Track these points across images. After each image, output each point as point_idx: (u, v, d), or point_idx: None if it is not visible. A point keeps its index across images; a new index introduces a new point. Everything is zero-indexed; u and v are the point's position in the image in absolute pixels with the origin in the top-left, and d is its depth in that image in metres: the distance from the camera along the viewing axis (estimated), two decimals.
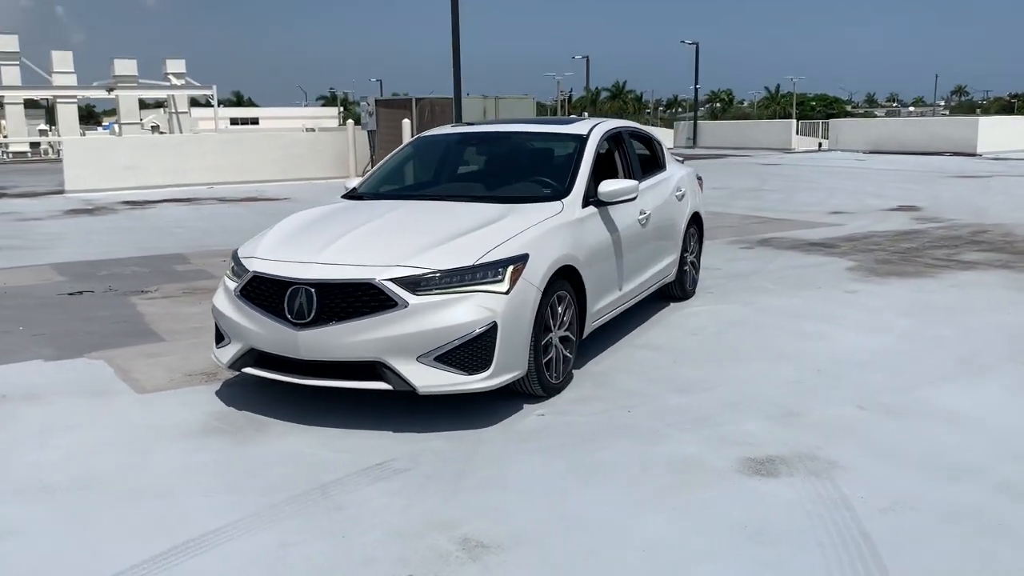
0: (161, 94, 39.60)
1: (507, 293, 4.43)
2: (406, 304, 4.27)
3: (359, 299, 4.32)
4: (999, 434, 4.31)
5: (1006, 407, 4.73)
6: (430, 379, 4.31)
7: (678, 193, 7.02)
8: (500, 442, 4.30)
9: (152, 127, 39.60)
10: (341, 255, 4.55)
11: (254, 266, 4.68)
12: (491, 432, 4.42)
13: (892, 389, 4.99)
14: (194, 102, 42.54)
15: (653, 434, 4.36)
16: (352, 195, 5.99)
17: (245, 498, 3.69)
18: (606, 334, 6.09)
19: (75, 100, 37.03)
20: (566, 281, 4.99)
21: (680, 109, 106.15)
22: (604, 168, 6.68)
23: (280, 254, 4.71)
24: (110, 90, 36.27)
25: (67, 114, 36.55)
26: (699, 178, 7.90)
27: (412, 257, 4.45)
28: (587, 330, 5.40)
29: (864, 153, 30.24)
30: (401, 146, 6.89)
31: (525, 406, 4.76)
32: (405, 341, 4.27)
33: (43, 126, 39.58)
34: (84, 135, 37.13)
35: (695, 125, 41.62)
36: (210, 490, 3.81)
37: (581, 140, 5.97)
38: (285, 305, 4.41)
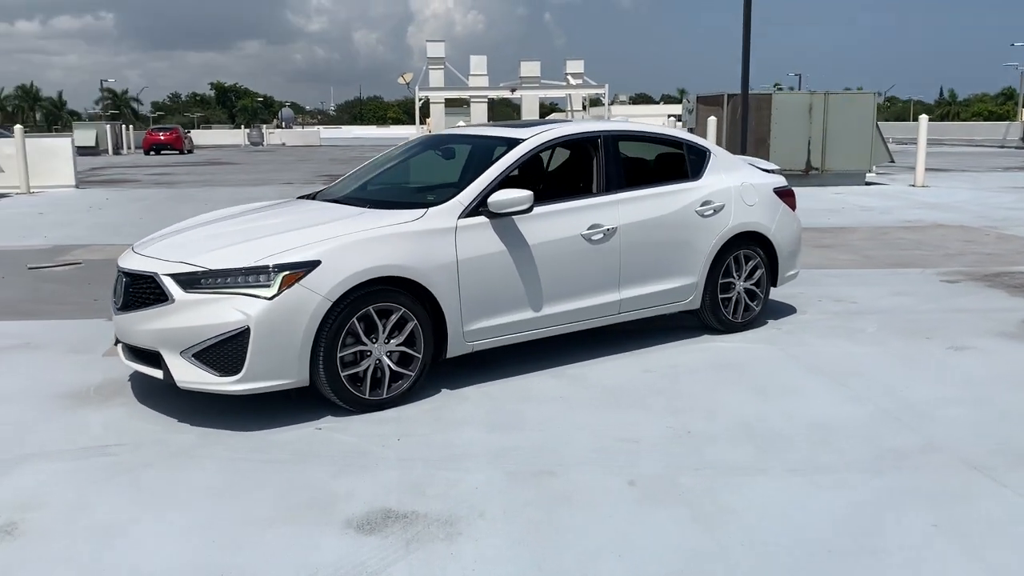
0: (559, 93, 42.43)
1: (271, 299, 4.40)
2: (173, 299, 4.48)
3: (146, 291, 4.63)
4: None
5: None
6: (188, 375, 4.47)
7: (703, 208, 6.07)
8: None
9: None
10: (166, 250, 4.88)
11: (123, 254, 5.21)
12: (240, 439, 4.44)
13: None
14: (595, 101, 44.73)
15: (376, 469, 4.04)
16: (305, 196, 6.20)
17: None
18: (551, 357, 5.61)
19: (485, 99, 41.31)
20: (404, 293, 4.75)
21: None
22: (554, 177, 6.13)
23: (141, 245, 5.18)
24: (512, 90, 39.86)
25: (478, 112, 40.93)
26: (782, 192, 6.68)
27: (201, 255, 4.63)
28: (457, 350, 5.05)
29: None
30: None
31: (329, 416, 4.68)
32: (172, 335, 4.48)
33: (462, 122, 44.78)
34: None
35: None
36: None
37: (509, 145, 5.53)
38: (113, 290, 4.89)
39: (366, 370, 4.71)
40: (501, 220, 5.14)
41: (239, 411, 4.69)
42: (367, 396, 4.72)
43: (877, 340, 6.18)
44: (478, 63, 41.14)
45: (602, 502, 3.61)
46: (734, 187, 6.32)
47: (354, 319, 4.61)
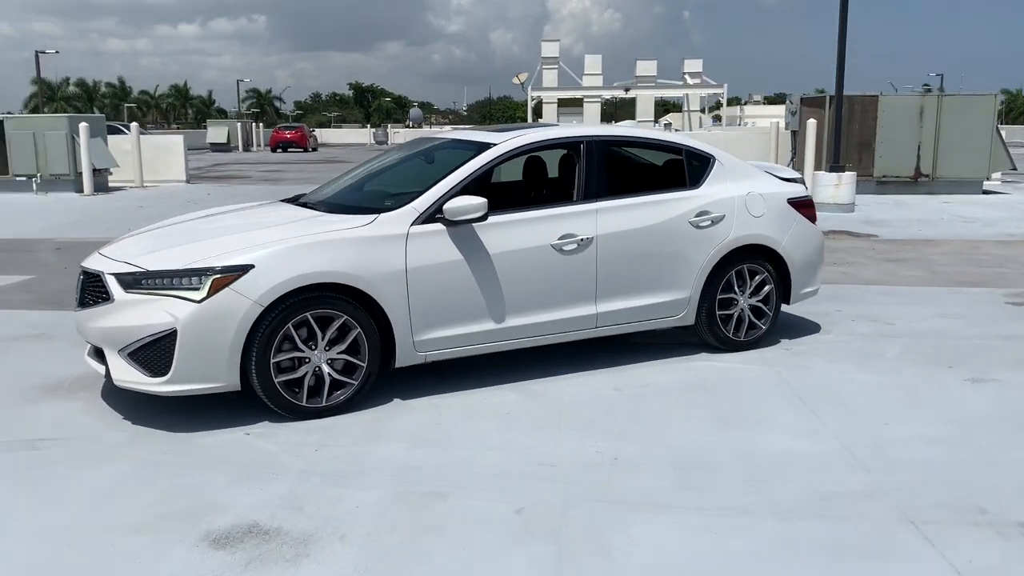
0: (676, 93, 41.54)
1: (200, 302, 4.40)
2: (114, 299, 4.56)
3: (96, 289, 4.72)
4: None
5: None
6: (124, 374, 4.54)
7: (699, 219, 5.71)
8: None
9: (665, 124, 41.73)
10: (119, 250, 4.96)
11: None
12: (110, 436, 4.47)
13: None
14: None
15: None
16: (287, 199, 6.13)
17: None
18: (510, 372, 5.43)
19: (599, 99, 40.92)
20: (346, 300, 4.67)
21: None
22: (529, 184, 5.93)
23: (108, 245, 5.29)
24: (627, 89, 39.33)
25: (592, 112, 40.60)
26: (798, 203, 6.21)
27: (144, 256, 4.69)
28: (407, 359, 4.94)
29: None
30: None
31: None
32: (112, 334, 4.56)
33: (575, 122, 44.53)
34: None
35: None
36: None
37: (477, 150, 5.35)
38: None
39: (303, 377, 4.65)
40: (460, 228, 4.98)
41: (184, 412, 4.72)
42: (304, 403, 4.66)
43: (890, 367, 5.65)
44: (593, 63, 40.80)
45: (472, 532, 3.41)
46: (738, 197, 5.91)
47: (290, 325, 4.56)
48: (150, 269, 4.54)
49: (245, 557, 3.21)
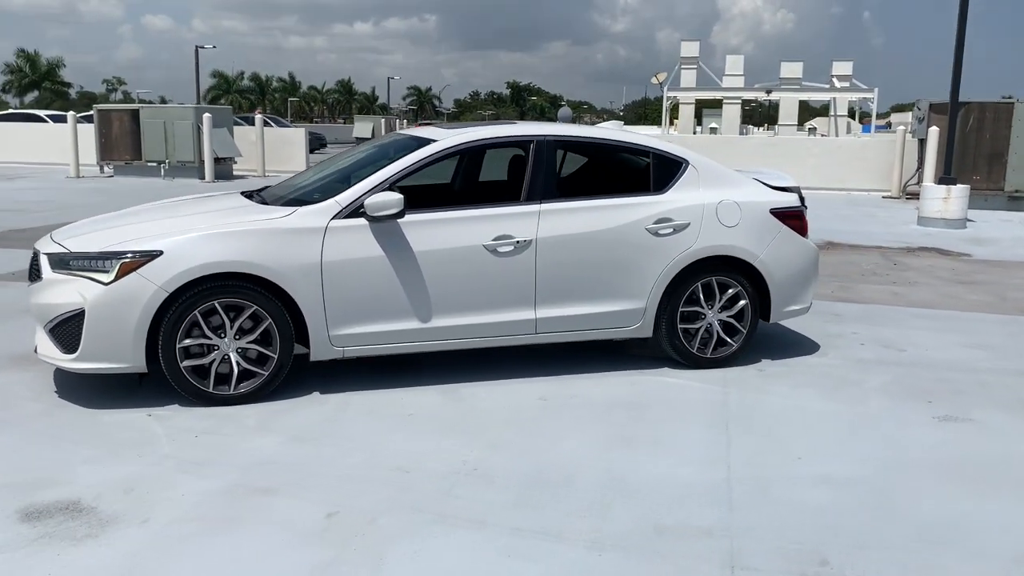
0: (823, 96, 39.58)
1: (107, 284, 4.57)
2: (42, 277, 4.80)
3: (35, 268, 4.99)
4: None
5: None
6: (45, 348, 4.78)
7: (658, 226, 5.41)
8: None
9: (810, 130, 39.87)
10: (63, 232, 5.19)
11: None
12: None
13: None
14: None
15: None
16: (249, 191, 6.10)
17: None
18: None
19: (738, 101, 39.54)
20: (257, 291, 4.73)
21: None
22: (471, 182, 5.80)
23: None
24: (768, 92, 37.81)
25: (731, 114, 39.33)
26: (784, 213, 5.77)
27: (74, 238, 4.90)
28: (322, 354, 4.94)
29: None
30: None
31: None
32: (39, 310, 4.81)
33: (714, 124, 43.19)
34: (746, 133, 39.42)
35: None
36: None
37: (416, 146, 5.28)
38: None
39: (210, 364, 4.73)
40: (383, 224, 4.93)
41: (115, 390, 4.89)
42: (210, 390, 4.75)
43: (858, 398, 5.16)
44: (734, 63, 39.48)
45: (267, 531, 3.37)
46: (708, 204, 5.55)
47: (196, 312, 4.65)
48: (72, 251, 4.75)
49: (38, 533, 3.30)
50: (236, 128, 22.02)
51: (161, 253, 4.60)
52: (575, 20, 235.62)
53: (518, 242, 5.14)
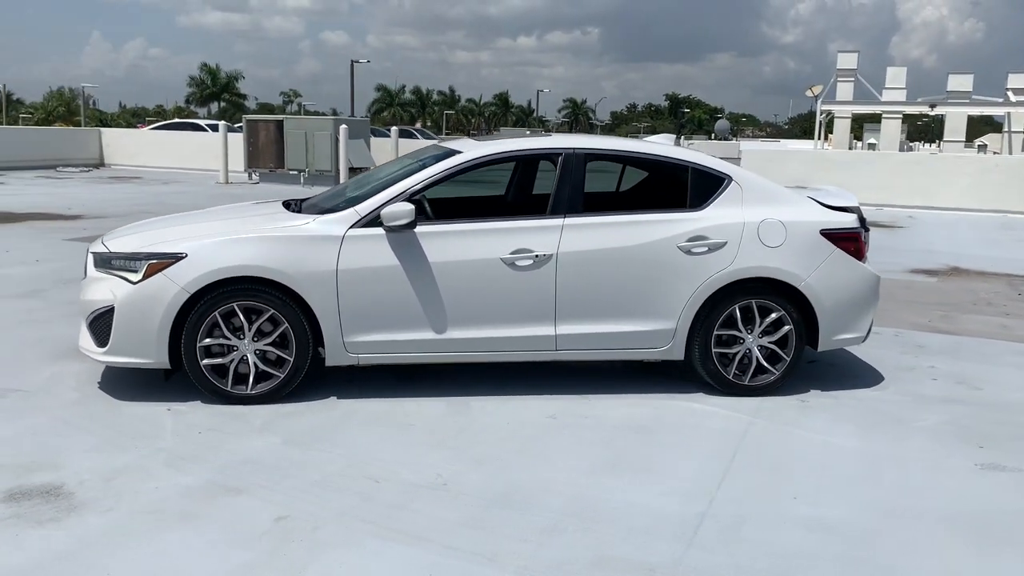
0: (996, 111, 36.75)
1: (135, 284, 4.85)
2: (86, 275, 5.15)
3: (85, 265, 5.34)
4: None
5: None
6: (83, 341, 5.11)
7: (691, 244, 5.19)
8: None
9: (979, 147, 37.14)
10: (113, 234, 5.50)
11: None
12: None
13: None
14: None
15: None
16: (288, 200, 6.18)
17: None
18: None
19: (899, 115, 37.36)
20: (275, 295, 4.88)
21: None
22: (496, 195, 5.74)
23: None
24: (932, 106, 35.52)
25: (890, 129, 37.22)
26: (838, 235, 5.39)
27: (116, 240, 5.22)
28: (337, 359, 5.04)
29: None
30: None
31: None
32: (83, 305, 5.16)
33: (873, 140, 40.92)
34: (909, 150, 37.27)
35: None
36: None
37: (441, 157, 5.30)
38: None
39: (229, 363, 4.92)
40: (400, 234, 4.97)
41: (148, 384, 5.14)
42: (228, 388, 4.93)
43: (899, 438, 4.75)
44: (895, 75, 37.31)
45: (214, 529, 3.47)
46: (749, 223, 5.26)
47: (216, 313, 4.84)
48: (112, 251, 5.06)
49: (11, 513, 3.53)
50: (374, 140, 22.83)
51: (185, 256, 4.83)
52: (742, 31, 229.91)
53: (537, 256, 5.04)
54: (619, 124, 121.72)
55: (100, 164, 26.83)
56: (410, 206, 4.88)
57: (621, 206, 5.36)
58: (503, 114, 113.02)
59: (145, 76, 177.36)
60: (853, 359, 6.29)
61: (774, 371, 5.37)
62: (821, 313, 5.33)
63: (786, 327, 5.32)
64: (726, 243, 5.21)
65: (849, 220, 5.47)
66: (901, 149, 37.38)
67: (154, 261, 4.84)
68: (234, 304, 4.85)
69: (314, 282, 4.88)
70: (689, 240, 5.19)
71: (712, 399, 5.29)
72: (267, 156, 21.56)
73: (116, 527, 3.44)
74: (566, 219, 5.14)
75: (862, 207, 5.70)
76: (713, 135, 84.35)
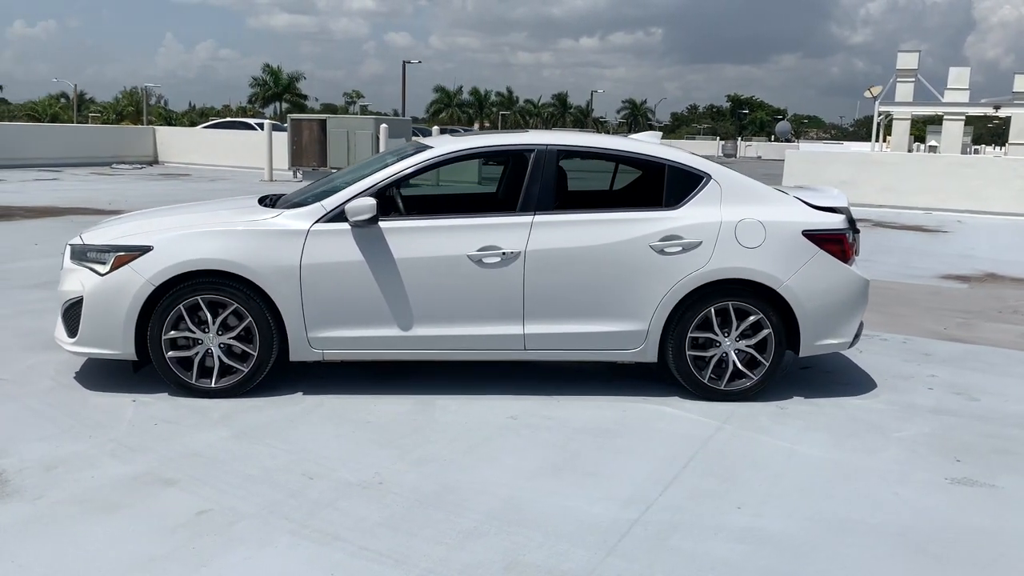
0: None
1: (103, 276, 4.90)
2: (63, 266, 5.24)
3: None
4: None
5: None
6: (57, 330, 5.19)
7: (664, 244, 5.04)
8: None
9: None
10: (98, 226, 5.60)
11: None
12: None
13: None
14: None
15: None
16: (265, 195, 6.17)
17: None
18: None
19: (961, 117, 36.09)
20: (239, 289, 4.90)
21: None
22: (466, 191, 5.65)
23: None
24: (997, 107, 34.28)
25: (951, 131, 35.99)
26: (822, 237, 5.19)
27: (91, 232, 5.29)
28: (302, 355, 5.03)
29: None
30: None
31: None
32: (60, 296, 5.25)
33: (934, 142, 39.58)
34: (975, 153, 36.07)
35: None
36: None
37: (411, 152, 5.25)
38: None
39: (194, 356, 4.94)
40: (365, 230, 4.94)
41: (122, 375, 5.20)
42: (193, 382, 4.96)
43: (873, 449, 4.55)
44: (958, 76, 36.02)
45: (126, 523, 3.47)
46: (726, 222, 5.10)
47: (181, 306, 4.87)
48: (85, 243, 5.12)
49: None
50: (416, 140, 22.92)
51: (151, 248, 4.86)
52: (809, 31, 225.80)
53: (504, 253, 4.96)
54: (679, 125, 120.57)
55: (154, 161, 27.52)
56: (372, 201, 4.84)
57: (597, 204, 5.24)
58: (561, 115, 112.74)
59: (215, 76, 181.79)
60: (849, 365, 6.06)
61: (752, 376, 5.19)
62: (802, 317, 5.14)
63: (765, 331, 5.15)
64: (701, 243, 5.06)
65: (835, 221, 5.26)
66: (964, 152, 36.19)
67: (121, 253, 4.88)
68: (198, 297, 4.87)
69: (278, 277, 4.87)
70: (663, 240, 5.05)
71: (686, 403, 5.14)
72: (310, 154, 21.83)
73: (39, 515, 3.46)
74: (535, 216, 5.05)
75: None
76: (774, 136, 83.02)
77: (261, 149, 23.33)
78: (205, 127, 30.74)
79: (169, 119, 69.90)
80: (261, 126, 26.28)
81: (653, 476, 4.06)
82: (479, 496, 3.77)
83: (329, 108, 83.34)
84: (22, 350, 5.78)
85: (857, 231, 5.39)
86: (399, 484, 3.88)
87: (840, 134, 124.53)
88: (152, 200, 15.68)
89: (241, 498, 3.68)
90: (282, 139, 22.38)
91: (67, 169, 23.19)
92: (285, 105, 76.23)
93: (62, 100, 76.73)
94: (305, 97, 79.28)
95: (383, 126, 20.43)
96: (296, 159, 22.08)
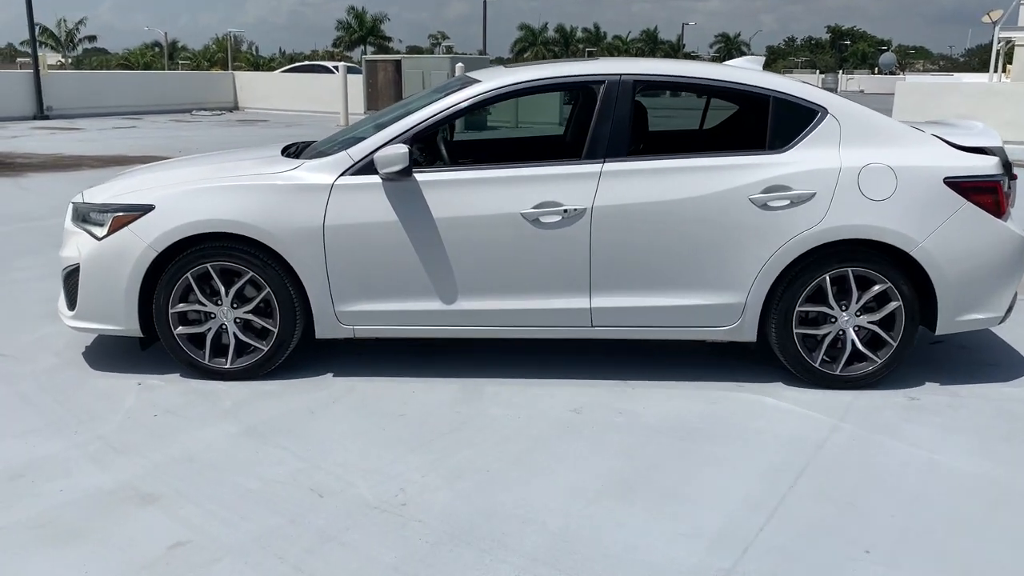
0: None
1: (100, 240, 4.23)
2: (65, 227, 4.59)
3: None
4: None
5: None
6: (59, 301, 4.57)
7: (767, 196, 4.07)
8: None
9: None
10: (119, 179, 4.92)
11: None
12: None
13: None
14: None
15: None
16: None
17: None
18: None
19: None
20: (255, 255, 4.16)
21: None
22: (528, 134, 4.71)
23: None
24: None
25: None
26: (970, 186, 4.13)
27: (93, 189, 4.60)
28: (329, 331, 4.29)
29: None
30: None
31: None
32: (60, 261, 4.62)
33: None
34: None
35: None
36: None
37: (456, 89, 4.37)
38: None
39: (207, 332, 4.26)
40: (399, 183, 4.11)
41: (129, 355, 4.56)
42: (206, 361, 4.28)
43: (1007, 455, 3.54)
44: None
45: (81, 559, 2.79)
46: (846, 168, 4.08)
47: (189, 275, 4.17)
48: (86, 202, 4.45)
49: None
50: (464, 75, 21.95)
51: (153, 208, 4.15)
52: None
53: (566, 211, 4.06)
54: (776, 59, 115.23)
55: (234, 107, 27.28)
56: (404, 149, 3.98)
57: (683, 148, 4.28)
58: (650, 51, 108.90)
59: (304, 22, 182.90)
60: (992, 341, 5.00)
61: (875, 358, 4.21)
62: (942, 286, 4.10)
63: (893, 304, 4.14)
64: (815, 194, 4.05)
65: (986, 165, 4.17)
66: None
67: (120, 214, 4.19)
68: (207, 265, 4.15)
69: (297, 240, 4.11)
70: (765, 191, 4.06)
71: (791, 393, 4.20)
72: (386, 96, 21.11)
73: (21, 514, 2.86)
74: (605, 164, 4.12)
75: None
76: (877, 69, 78.40)
77: (339, 93, 22.68)
78: (283, 71, 30.27)
79: (257, 65, 70.15)
80: (352, 69, 25.65)
81: (751, 500, 3.16)
82: (524, 527, 2.96)
83: (415, 50, 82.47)
84: (38, 318, 5.21)
85: (1014, 176, 4.29)
86: (426, 507, 3.09)
87: (950, 65, 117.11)
88: (223, 147, 15.22)
89: (230, 524, 2.96)
90: (358, 82, 21.67)
91: (147, 117, 23.07)
92: (371, 48, 75.73)
93: (155, 48, 77.89)
94: (390, 40, 78.50)
95: (459, 64, 19.45)
96: (372, 101, 21.40)
